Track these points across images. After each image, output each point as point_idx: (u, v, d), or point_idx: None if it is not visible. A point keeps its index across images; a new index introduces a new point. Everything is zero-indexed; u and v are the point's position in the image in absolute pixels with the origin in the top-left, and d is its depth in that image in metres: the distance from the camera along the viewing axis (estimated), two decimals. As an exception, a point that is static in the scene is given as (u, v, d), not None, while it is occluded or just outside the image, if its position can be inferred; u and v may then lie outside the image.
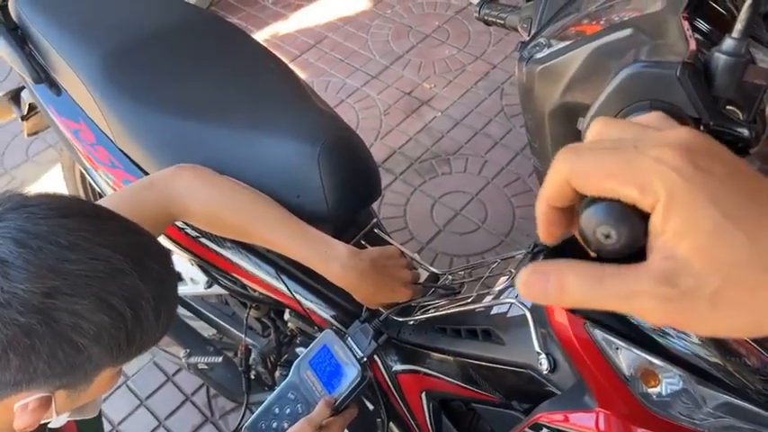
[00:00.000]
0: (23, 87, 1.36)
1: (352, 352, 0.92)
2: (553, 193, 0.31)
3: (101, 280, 0.57)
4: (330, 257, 0.89)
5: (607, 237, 0.29)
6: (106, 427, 1.71)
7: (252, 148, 1.00)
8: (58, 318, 0.55)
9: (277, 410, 0.90)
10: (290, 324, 1.21)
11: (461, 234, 2.07)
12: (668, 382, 0.64)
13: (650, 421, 0.66)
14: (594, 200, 0.30)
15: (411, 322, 0.96)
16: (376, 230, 1.09)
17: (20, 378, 0.57)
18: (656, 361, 0.64)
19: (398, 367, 1.02)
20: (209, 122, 1.03)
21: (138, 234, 0.65)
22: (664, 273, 0.26)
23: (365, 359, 0.93)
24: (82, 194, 1.66)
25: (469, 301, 0.89)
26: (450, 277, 1.03)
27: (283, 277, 1.05)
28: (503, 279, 0.89)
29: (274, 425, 0.88)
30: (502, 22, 0.89)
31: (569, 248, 0.33)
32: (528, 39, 0.70)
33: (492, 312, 0.87)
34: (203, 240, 1.10)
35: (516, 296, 0.83)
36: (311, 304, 1.06)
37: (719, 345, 0.64)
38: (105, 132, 1.12)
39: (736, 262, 0.26)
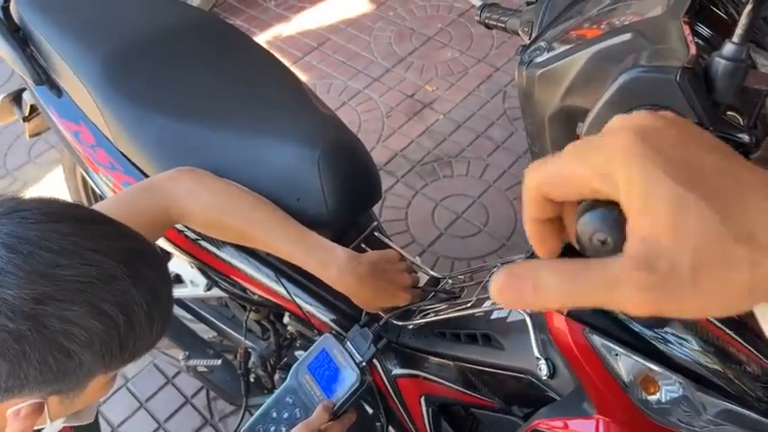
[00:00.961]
0: (25, 89, 1.36)
1: (351, 356, 0.92)
2: (533, 208, 0.31)
3: (93, 286, 0.57)
4: (329, 262, 0.89)
5: (604, 243, 0.29)
6: (106, 428, 1.71)
7: (252, 151, 1.00)
8: (49, 324, 0.54)
9: (275, 415, 0.89)
10: (289, 327, 1.21)
11: (463, 237, 2.06)
12: (668, 389, 0.64)
13: (650, 428, 0.66)
14: (589, 208, 0.30)
15: (410, 326, 0.96)
16: (376, 234, 1.08)
17: (11, 384, 0.57)
18: (656, 368, 0.64)
19: (398, 371, 1.02)
20: (209, 125, 1.03)
21: (132, 239, 0.64)
22: (638, 257, 0.25)
23: (364, 364, 0.93)
24: (83, 196, 1.66)
25: (469, 305, 0.89)
26: (450, 281, 1.03)
27: (283, 280, 1.04)
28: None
29: (272, 429, 0.88)
30: (503, 25, 0.88)
31: (567, 253, 0.33)
32: (529, 42, 0.70)
33: (492, 317, 0.86)
34: (203, 243, 1.09)
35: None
36: (311, 308, 1.05)
37: (720, 352, 0.63)
38: (105, 134, 1.12)
39: (706, 234, 0.24)
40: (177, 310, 1.50)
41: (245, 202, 0.93)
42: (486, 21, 0.90)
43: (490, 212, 2.12)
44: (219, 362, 1.43)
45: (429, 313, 0.94)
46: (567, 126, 0.60)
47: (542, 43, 0.65)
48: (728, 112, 0.47)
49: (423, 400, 1.00)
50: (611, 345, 0.65)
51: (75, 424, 0.74)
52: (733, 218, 0.24)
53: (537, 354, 0.74)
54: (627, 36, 0.54)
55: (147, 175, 1.09)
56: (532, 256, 0.82)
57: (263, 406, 0.90)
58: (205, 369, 1.47)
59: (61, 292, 0.55)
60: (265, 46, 1.25)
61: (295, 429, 0.85)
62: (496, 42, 2.72)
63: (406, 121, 2.43)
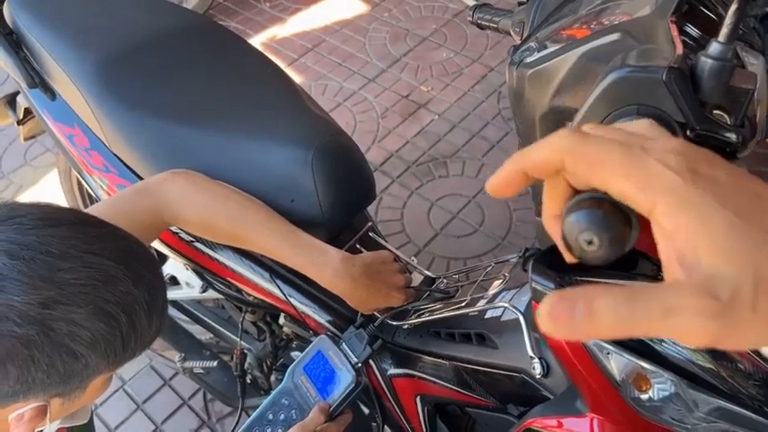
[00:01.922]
0: (19, 92, 1.36)
1: (346, 357, 0.92)
2: (540, 160, 0.30)
3: (95, 288, 0.57)
4: (322, 263, 0.89)
5: (590, 243, 0.29)
6: (103, 430, 1.71)
7: (246, 153, 1.00)
8: (56, 327, 0.55)
9: (271, 416, 0.89)
10: (285, 328, 1.21)
11: (458, 237, 2.06)
12: (659, 386, 0.64)
13: (642, 426, 0.66)
14: (577, 206, 0.30)
15: (406, 326, 0.96)
16: (371, 234, 1.09)
17: (17, 389, 0.57)
18: (648, 366, 0.64)
19: (393, 371, 1.02)
20: (202, 127, 1.03)
21: (125, 240, 0.65)
22: (700, 284, 0.24)
23: (360, 365, 0.93)
24: (78, 198, 1.66)
25: (463, 304, 0.89)
26: (445, 281, 1.03)
27: (278, 281, 1.04)
28: (497, 283, 0.89)
29: (268, 431, 0.88)
30: (495, 25, 0.89)
31: (554, 256, 0.33)
32: (519, 43, 0.70)
33: (486, 316, 0.87)
34: (197, 245, 1.10)
35: (510, 300, 0.83)
36: (306, 308, 1.06)
37: (712, 349, 0.63)
38: (99, 137, 1.12)
39: (760, 259, 0.24)
40: (173, 312, 1.50)
41: (238, 204, 0.93)
42: (479, 21, 0.91)
43: (486, 212, 2.12)
44: (216, 363, 1.43)
45: (424, 313, 0.94)
46: (557, 126, 0.61)
47: (533, 43, 0.66)
48: (715, 112, 0.47)
49: (418, 399, 1.01)
50: (603, 344, 0.65)
51: (71, 425, 0.74)
52: None
53: (531, 353, 0.74)
54: (615, 36, 0.55)
55: (141, 178, 1.09)
56: (524, 257, 0.83)
57: (260, 408, 0.90)
58: (201, 371, 1.47)
59: (66, 296, 0.55)
60: (260, 48, 1.25)
61: (291, 431, 0.85)
62: (491, 43, 2.72)
63: (401, 121, 2.44)
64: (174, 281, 1.36)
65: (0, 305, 0.53)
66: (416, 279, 1.02)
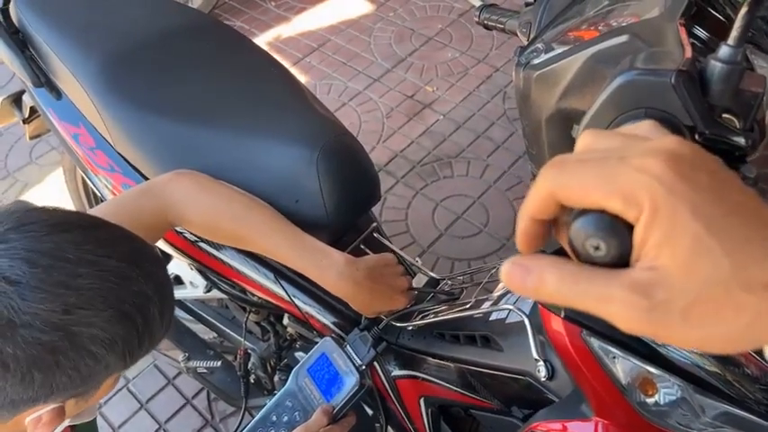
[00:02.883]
0: (24, 91, 1.36)
1: (350, 360, 0.92)
2: (538, 207, 0.31)
3: (112, 290, 0.59)
4: (326, 266, 0.89)
5: (597, 249, 0.29)
6: (107, 429, 1.72)
7: (250, 153, 1.00)
8: (78, 332, 0.56)
9: (274, 418, 0.89)
10: (289, 329, 1.21)
11: (463, 238, 2.06)
12: (666, 391, 0.64)
13: (648, 431, 0.65)
14: (583, 212, 0.29)
15: (410, 327, 0.96)
16: (375, 235, 1.08)
17: (40, 393, 0.58)
18: (654, 370, 0.64)
19: (397, 372, 1.02)
20: (207, 127, 1.03)
21: (134, 240, 0.66)
22: (639, 282, 0.27)
23: (364, 367, 0.92)
24: (83, 198, 1.66)
25: (468, 306, 0.89)
26: (449, 282, 1.02)
27: (282, 282, 1.04)
28: (502, 285, 0.89)
29: (271, 432, 0.88)
30: (501, 26, 0.88)
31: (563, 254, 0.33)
32: (526, 44, 0.69)
33: (491, 318, 0.86)
34: (202, 245, 1.09)
35: (515, 302, 0.82)
36: (310, 309, 1.05)
37: (718, 354, 0.63)
38: (104, 136, 1.12)
39: (714, 278, 0.26)
40: (177, 312, 1.50)
41: (242, 205, 0.93)
42: (485, 21, 0.90)
43: (490, 213, 2.11)
44: (219, 363, 1.43)
45: (428, 315, 0.94)
46: (564, 128, 0.60)
47: (540, 44, 0.65)
48: (724, 115, 0.46)
49: (422, 401, 1.00)
50: (609, 347, 0.65)
51: (78, 422, 0.75)
52: (748, 268, 0.25)
53: (535, 355, 0.74)
54: (623, 38, 0.54)
55: (146, 178, 1.09)
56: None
57: (263, 409, 0.90)
58: (205, 370, 1.47)
59: (85, 300, 0.56)
60: (265, 47, 1.25)
61: (294, 432, 0.85)
62: (496, 43, 2.71)
63: (406, 121, 2.43)
64: (178, 280, 1.36)
65: (24, 313, 0.54)
66: (421, 280, 1.02)
